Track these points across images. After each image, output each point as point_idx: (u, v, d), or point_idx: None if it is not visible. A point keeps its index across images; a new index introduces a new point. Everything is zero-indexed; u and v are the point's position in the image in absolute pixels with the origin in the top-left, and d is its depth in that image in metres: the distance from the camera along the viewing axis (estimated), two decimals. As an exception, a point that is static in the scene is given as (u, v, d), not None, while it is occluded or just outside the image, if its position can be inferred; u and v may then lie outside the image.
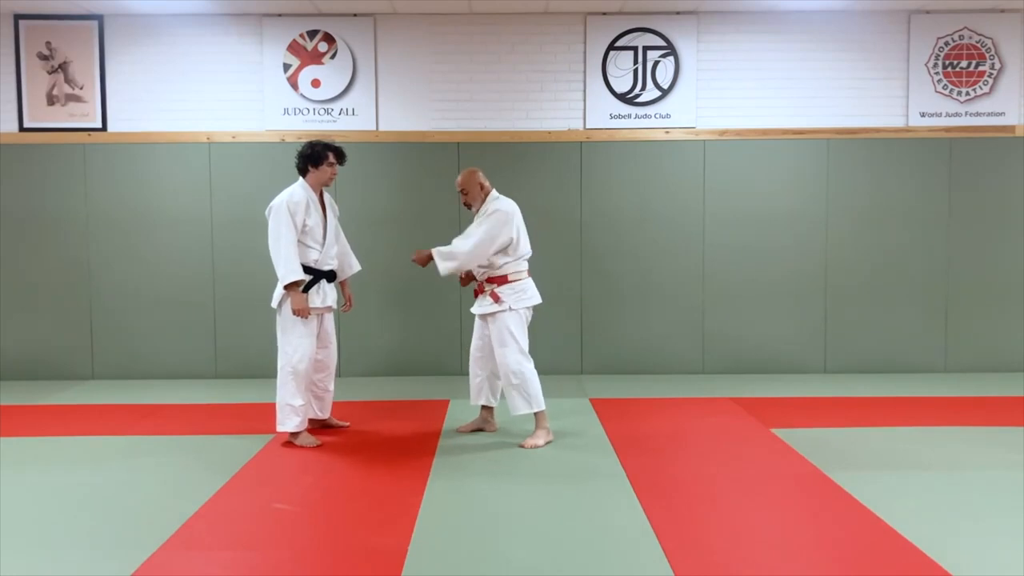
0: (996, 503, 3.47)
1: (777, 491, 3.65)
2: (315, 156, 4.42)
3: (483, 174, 4.50)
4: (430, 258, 4.42)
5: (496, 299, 4.39)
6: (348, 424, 4.82)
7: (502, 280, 4.41)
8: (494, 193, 4.50)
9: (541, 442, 4.39)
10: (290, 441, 4.43)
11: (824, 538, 3.12)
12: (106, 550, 3.04)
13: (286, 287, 4.28)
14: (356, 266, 4.78)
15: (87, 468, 4.06)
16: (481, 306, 4.46)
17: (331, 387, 4.71)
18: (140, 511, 3.45)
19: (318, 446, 4.40)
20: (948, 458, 4.16)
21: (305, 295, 4.34)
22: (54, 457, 4.26)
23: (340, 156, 4.50)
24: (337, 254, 4.60)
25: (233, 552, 3.03)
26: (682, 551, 2.96)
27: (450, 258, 4.37)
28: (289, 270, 4.26)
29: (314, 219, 4.39)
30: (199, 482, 3.79)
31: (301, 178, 4.46)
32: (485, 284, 4.44)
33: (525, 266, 4.50)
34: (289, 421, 4.37)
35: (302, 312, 4.29)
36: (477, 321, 4.58)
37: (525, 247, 4.49)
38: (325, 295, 4.49)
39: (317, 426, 4.68)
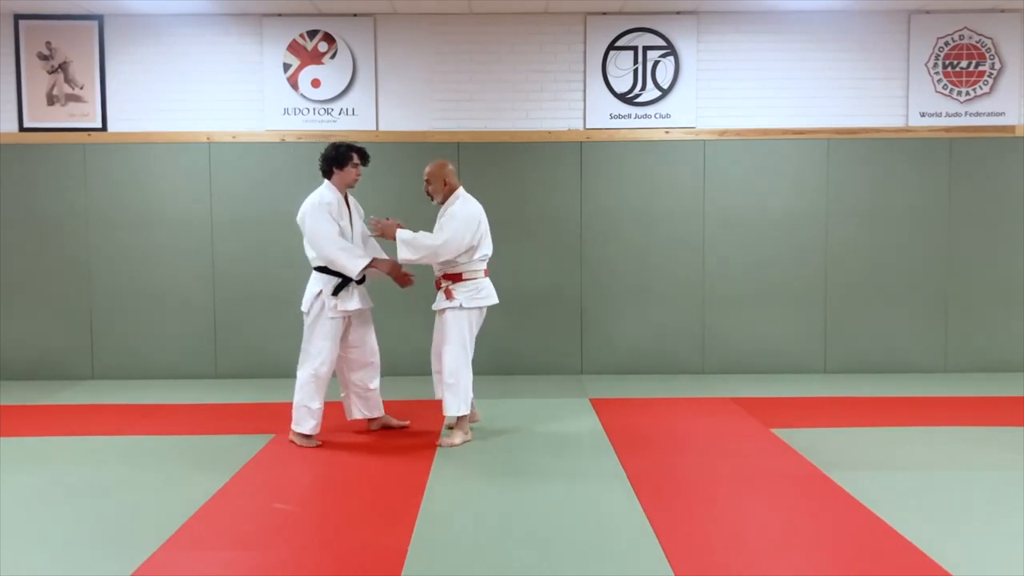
0: (996, 503, 3.47)
1: (777, 491, 3.65)
2: (339, 158, 4.43)
3: (452, 169, 4.48)
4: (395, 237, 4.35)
5: (449, 296, 4.41)
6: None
7: (457, 277, 4.43)
8: (462, 191, 4.47)
9: (458, 441, 4.41)
10: (291, 441, 4.44)
11: (824, 538, 3.12)
12: (106, 550, 3.04)
13: (363, 271, 4.31)
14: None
15: (87, 468, 4.07)
16: (436, 302, 4.50)
17: (372, 385, 4.65)
18: (140, 511, 3.45)
19: (318, 446, 4.41)
20: (948, 458, 4.16)
21: (390, 260, 4.43)
22: (54, 457, 4.26)
23: (364, 157, 4.51)
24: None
25: (233, 552, 3.03)
26: (682, 551, 2.96)
27: (413, 248, 4.32)
28: (352, 259, 4.28)
29: (345, 221, 4.41)
30: (199, 482, 3.79)
31: (326, 180, 4.46)
32: (441, 280, 4.46)
33: (482, 266, 4.50)
34: (305, 423, 4.38)
35: (403, 277, 4.47)
36: (436, 316, 4.58)
37: (486, 249, 4.49)
38: (357, 299, 4.46)
39: (376, 427, 4.70)
